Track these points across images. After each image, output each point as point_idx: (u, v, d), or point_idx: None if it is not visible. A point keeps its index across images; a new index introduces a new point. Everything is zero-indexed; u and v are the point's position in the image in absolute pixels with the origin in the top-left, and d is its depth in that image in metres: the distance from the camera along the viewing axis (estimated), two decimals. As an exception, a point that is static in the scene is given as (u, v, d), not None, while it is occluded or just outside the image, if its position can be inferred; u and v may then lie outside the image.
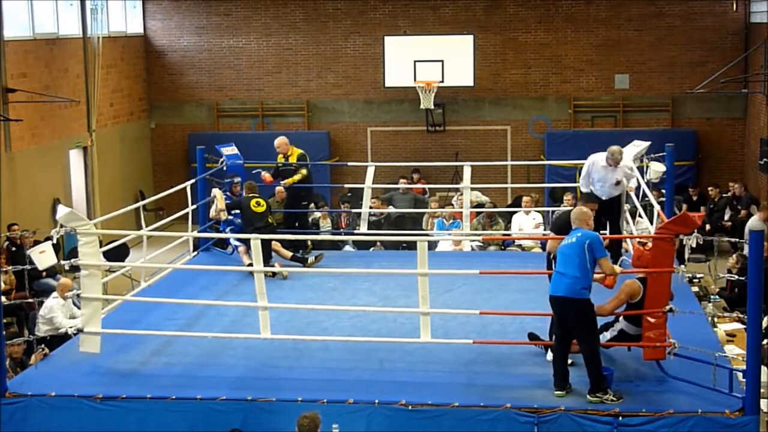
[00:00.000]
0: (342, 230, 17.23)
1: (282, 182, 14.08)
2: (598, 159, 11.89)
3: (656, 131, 20.99)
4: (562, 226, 9.39)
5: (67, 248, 16.28)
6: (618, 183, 11.82)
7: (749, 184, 20.41)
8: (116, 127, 21.51)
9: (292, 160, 13.86)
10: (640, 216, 12.87)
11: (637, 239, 9.56)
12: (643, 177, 12.44)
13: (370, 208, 14.64)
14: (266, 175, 13.90)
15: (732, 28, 21.77)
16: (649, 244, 9.02)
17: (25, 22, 17.99)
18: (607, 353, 9.06)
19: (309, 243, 13.22)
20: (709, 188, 20.02)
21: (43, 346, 10.82)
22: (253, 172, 14.08)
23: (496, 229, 15.90)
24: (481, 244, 15.42)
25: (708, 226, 18.27)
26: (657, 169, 12.68)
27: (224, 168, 13.98)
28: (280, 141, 14.03)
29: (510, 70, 22.39)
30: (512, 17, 22.25)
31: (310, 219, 17.03)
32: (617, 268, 8.92)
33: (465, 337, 9.58)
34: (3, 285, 13.52)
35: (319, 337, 10.00)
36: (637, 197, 12.34)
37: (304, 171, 13.81)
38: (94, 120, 19.83)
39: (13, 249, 15.15)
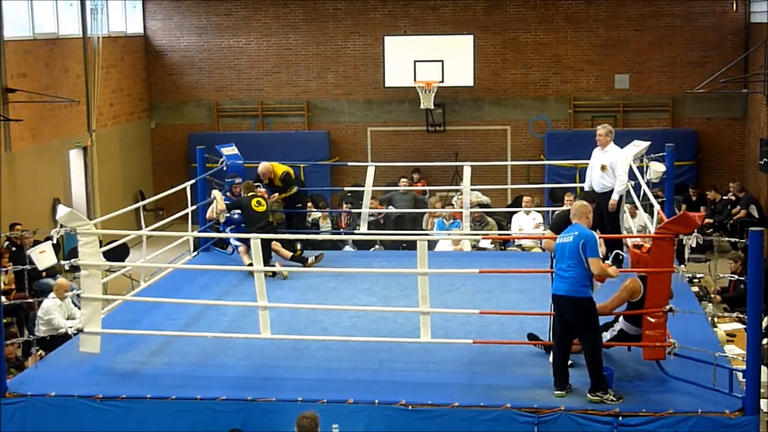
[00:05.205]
0: (342, 230, 17.23)
1: (275, 195, 14.09)
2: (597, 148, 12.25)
3: (656, 131, 20.96)
4: (560, 224, 9.37)
5: (67, 248, 16.27)
6: (603, 168, 11.87)
7: (749, 184, 20.41)
8: (116, 127, 21.51)
9: (277, 182, 13.80)
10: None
11: (632, 244, 9.47)
12: (643, 177, 12.44)
13: (369, 208, 14.63)
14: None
15: (732, 28, 21.77)
16: (646, 246, 9.01)
17: (25, 22, 17.98)
18: (607, 353, 9.05)
19: (298, 247, 13.12)
20: (707, 192, 20.01)
21: (37, 348, 10.73)
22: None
23: (486, 230, 15.82)
24: (474, 244, 15.28)
25: (711, 229, 18.28)
26: (657, 169, 12.68)
27: (224, 168, 13.98)
28: (263, 168, 13.79)
29: (510, 70, 22.39)
30: (512, 17, 22.25)
31: (310, 219, 17.04)
32: (611, 271, 8.82)
33: (465, 337, 9.58)
34: (3, 285, 13.51)
35: (319, 337, 10.00)
36: (637, 196, 12.33)
37: (294, 188, 13.85)
38: (94, 120, 19.83)
39: (13, 249, 15.14)
